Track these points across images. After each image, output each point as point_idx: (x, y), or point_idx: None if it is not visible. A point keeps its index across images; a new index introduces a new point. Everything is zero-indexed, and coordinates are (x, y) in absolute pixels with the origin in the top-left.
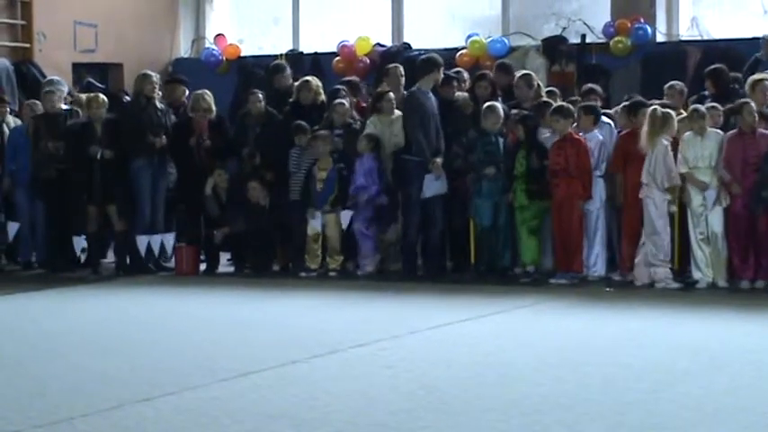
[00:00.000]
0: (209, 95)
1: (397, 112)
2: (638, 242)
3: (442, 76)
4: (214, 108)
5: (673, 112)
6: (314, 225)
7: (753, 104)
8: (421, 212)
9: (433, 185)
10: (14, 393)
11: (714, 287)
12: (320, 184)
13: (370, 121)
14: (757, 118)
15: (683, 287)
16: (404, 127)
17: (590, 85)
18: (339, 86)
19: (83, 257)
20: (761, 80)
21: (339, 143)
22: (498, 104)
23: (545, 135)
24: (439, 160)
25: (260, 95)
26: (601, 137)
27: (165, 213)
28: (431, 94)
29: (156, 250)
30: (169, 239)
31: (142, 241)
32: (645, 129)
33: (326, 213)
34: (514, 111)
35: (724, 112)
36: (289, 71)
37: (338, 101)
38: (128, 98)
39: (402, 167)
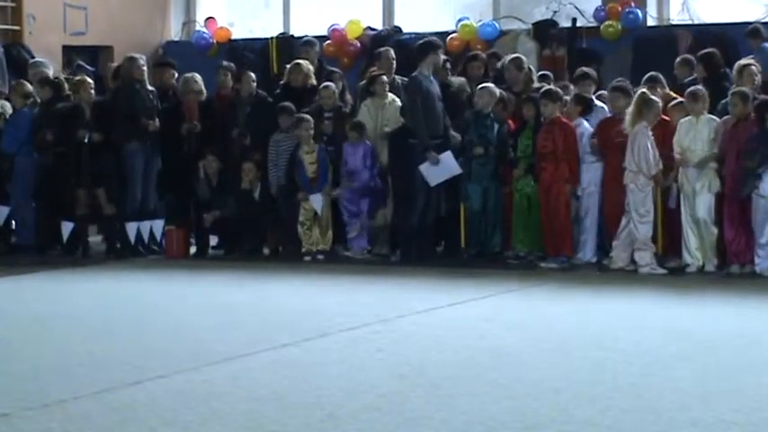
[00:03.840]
0: (198, 77)
1: (391, 96)
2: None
3: (442, 58)
4: (204, 90)
5: (659, 100)
6: (312, 207)
7: (746, 90)
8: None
9: (436, 173)
10: (5, 376)
11: (703, 271)
12: (312, 167)
13: (365, 104)
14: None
15: (668, 272)
16: (404, 112)
17: (584, 69)
18: (333, 69)
19: (65, 237)
20: (748, 65)
21: (328, 126)
22: (492, 85)
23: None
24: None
25: (252, 77)
26: (587, 124)
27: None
28: (432, 78)
29: (146, 236)
30: (158, 225)
31: (131, 227)
32: (630, 110)
33: (325, 195)
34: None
35: (710, 96)
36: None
37: (324, 84)
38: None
39: (408, 152)
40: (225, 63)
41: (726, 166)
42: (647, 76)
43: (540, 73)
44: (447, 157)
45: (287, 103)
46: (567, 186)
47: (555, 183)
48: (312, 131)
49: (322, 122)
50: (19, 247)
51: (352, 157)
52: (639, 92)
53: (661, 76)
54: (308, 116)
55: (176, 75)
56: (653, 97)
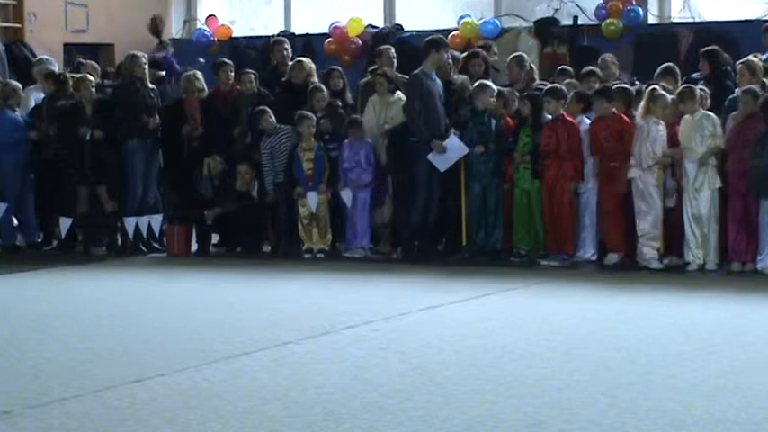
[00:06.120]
0: (200, 75)
1: (398, 94)
2: (618, 223)
3: (448, 56)
4: (206, 88)
5: (667, 95)
6: (308, 205)
7: (757, 89)
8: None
9: (445, 158)
10: (7, 374)
11: (704, 269)
12: (308, 164)
13: (371, 100)
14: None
15: (666, 268)
16: (404, 109)
17: (590, 67)
18: (334, 68)
19: (63, 234)
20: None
21: (326, 125)
22: (490, 82)
23: (548, 117)
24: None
25: (252, 76)
26: (588, 122)
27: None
28: (435, 76)
29: (144, 231)
30: (157, 220)
31: (130, 223)
32: (641, 104)
33: (320, 194)
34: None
35: (712, 94)
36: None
37: (314, 86)
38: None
39: (407, 149)
40: (226, 61)
41: (729, 163)
42: (661, 68)
43: (560, 67)
44: (451, 140)
45: (265, 107)
46: (572, 184)
47: (559, 181)
48: (313, 129)
49: (318, 122)
50: (12, 245)
51: (352, 154)
52: (650, 88)
53: (677, 69)
54: (310, 113)
55: (164, 73)
56: (662, 92)
